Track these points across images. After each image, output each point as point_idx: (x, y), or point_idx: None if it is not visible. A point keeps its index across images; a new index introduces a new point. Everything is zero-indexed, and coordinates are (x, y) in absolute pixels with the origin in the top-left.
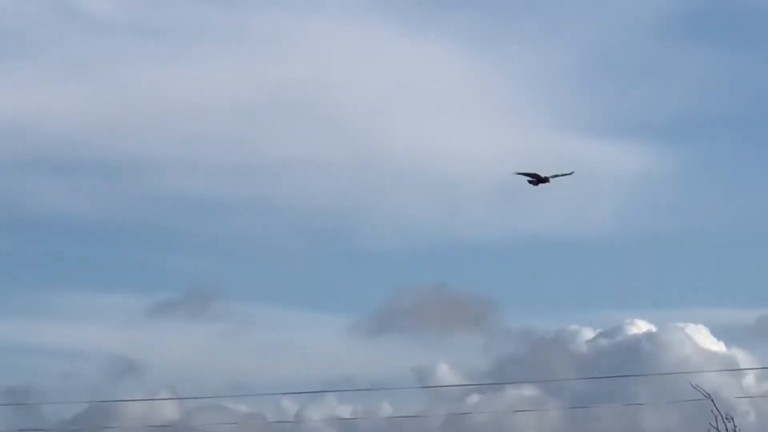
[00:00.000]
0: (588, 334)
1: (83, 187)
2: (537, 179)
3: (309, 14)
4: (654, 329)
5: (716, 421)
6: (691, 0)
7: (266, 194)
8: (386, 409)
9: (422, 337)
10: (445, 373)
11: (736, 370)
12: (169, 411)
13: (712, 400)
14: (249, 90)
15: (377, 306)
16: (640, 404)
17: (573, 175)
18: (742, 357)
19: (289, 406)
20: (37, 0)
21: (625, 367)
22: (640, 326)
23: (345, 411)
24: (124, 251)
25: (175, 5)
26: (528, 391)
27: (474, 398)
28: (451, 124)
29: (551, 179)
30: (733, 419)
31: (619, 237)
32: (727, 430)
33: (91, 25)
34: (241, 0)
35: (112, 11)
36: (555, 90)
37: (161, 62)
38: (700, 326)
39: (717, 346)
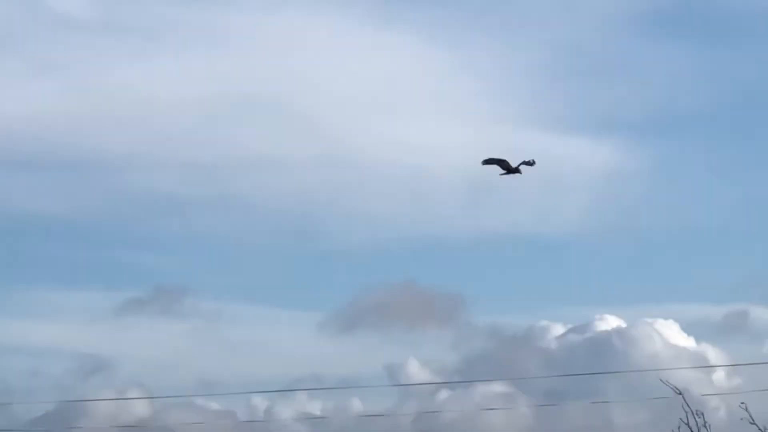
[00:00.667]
0: (558, 330)
1: (50, 184)
2: (508, 169)
3: (275, 11)
4: (624, 325)
5: (687, 417)
6: None
7: (234, 191)
8: (357, 406)
9: (391, 335)
10: (416, 370)
11: (706, 367)
12: (139, 409)
13: (683, 396)
14: (216, 87)
15: (346, 303)
16: (610, 401)
17: (537, 166)
18: (712, 353)
19: (259, 403)
20: None
21: (595, 362)
22: (610, 322)
23: (315, 408)
24: (92, 248)
25: (143, 2)
26: (498, 387)
27: (444, 395)
28: (418, 120)
29: (521, 168)
30: (703, 415)
31: (588, 233)
32: (697, 425)
33: (59, 22)
34: None
35: (80, 8)
36: (524, 86)
37: (129, 59)
38: (670, 321)
39: (687, 342)
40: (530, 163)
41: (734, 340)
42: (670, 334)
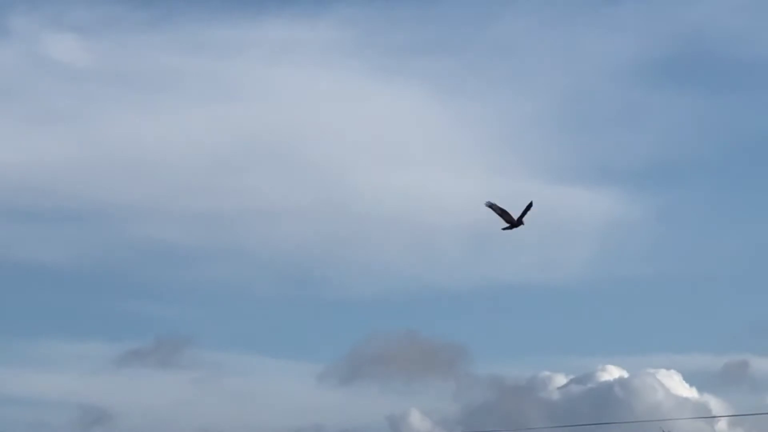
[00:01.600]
0: (560, 380)
1: (52, 234)
2: (511, 222)
3: (279, 61)
4: (626, 375)
5: None
6: (663, 46)
7: (237, 241)
8: None
9: (392, 385)
10: (418, 420)
11: (708, 417)
12: None
13: None
14: (219, 137)
15: (347, 353)
16: None
17: (540, 216)
18: (714, 403)
19: None
20: (4, 47)
21: (597, 413)
22: (612, 372)
23: None
24: (93, 299)
25: (145, 52)
26: None
27: None
28: (421, 170)
29: (524, 220)
30: None
31: (590, 283)
32: None
33: (60, 72)
34: (212, 46)
35: (82, 58)
36: (525, 136)
37: (131, 109)
38: (672, 372)
39: (689, 392)
40: (529, 207)
41: (735, 391)
42: (672, 385)
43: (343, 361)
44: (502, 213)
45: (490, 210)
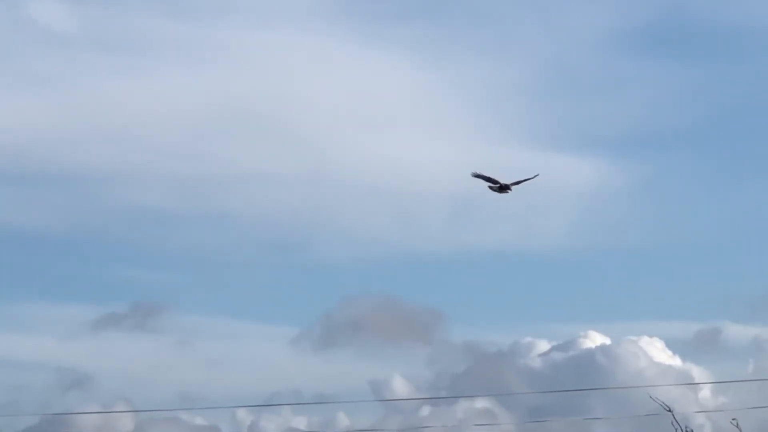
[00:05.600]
0: (542, 346)
1: (32, 198)
2: (499, 186)
3: (264, 27)
4: (608, 342)
5: None
6: (645, 15)
7: (217, 207)
8: (341, 421)
9: (370, 350)
10: (400, 385)
11: (691, 384)
12: (122, 423)
13: (672, 413)
14: (201, 102)
15: (327, 318)
16: (596, 418)
17: (533, 183)
18: (697, 370)
19: (244, 418)
20: None
21: (579, 379)
22: (595, 339)
23: (298, 423)
24: (73, 263)
25: (129, 18)
26: (482, 404)
27: (425, 411)
28: (404, 136)
29: (512, 187)
30: None
31: (572, 250)
32: None
33: (45, 37)
34: (195, 12)
35: (65, 22)
36: (508, 103)
37: (115, 74)
38: (655, 339)
39: (672, 359)
40: (530, 178)
41: (713, 356)
42: (654, 352)
43: (317, 327)
44: (489, 180)
45: (474, 179)
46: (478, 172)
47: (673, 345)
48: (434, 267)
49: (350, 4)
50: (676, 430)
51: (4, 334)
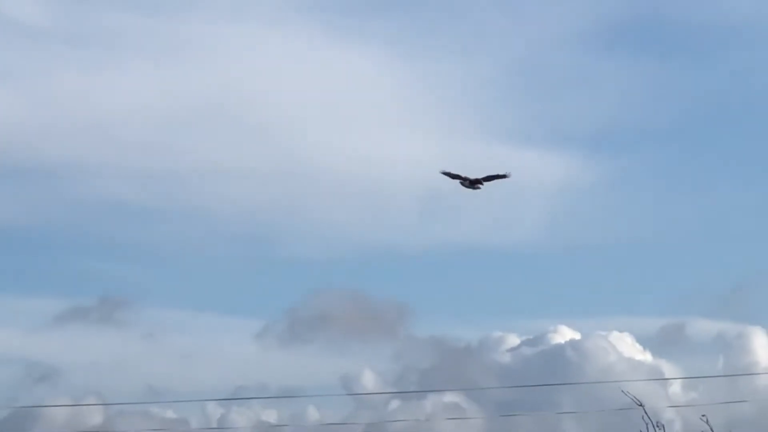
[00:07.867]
0: (512, 341)
1: (3, 191)
2: (469, 182)
3: (233, 22)
4: (578, 337)
5: (647, 429)
6: (616, 12)
7: (187, 201)
8: (311, 415)
9: (342, 344)
10: (369, 380)
11: (661, 380)
12: (91, 416)
13: (644, 408)
14: (172, 96)
15: (293, 312)
16: (567, 412)
17: (503, 180)
18: (667, 365)
19: (213, 411)
20: None
21: (549, 374)
22: (565, 334)
23: (270, 417)
24: (41, 256)
25: (101, 12)
26: (451, 398)
27: (394, 405)
28: (374, 131)
29: (484, 182)
30: (663, 427)
31: (542, 245)
32: None
33: (17, 31)
34: (167, 7)
35: (38, 17)
36: (479, 99)
37: (87, 68)
38: (625, 334)
39: (642, 354)
40: (500, 176)
41: (682, 351)
42: (623, 347)
43: (283, 320)
44: (457, 177)
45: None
46: (446, 170)
47: (642, 340)
48: (404, 262)
49: None
50: (647, 424)
51: None
